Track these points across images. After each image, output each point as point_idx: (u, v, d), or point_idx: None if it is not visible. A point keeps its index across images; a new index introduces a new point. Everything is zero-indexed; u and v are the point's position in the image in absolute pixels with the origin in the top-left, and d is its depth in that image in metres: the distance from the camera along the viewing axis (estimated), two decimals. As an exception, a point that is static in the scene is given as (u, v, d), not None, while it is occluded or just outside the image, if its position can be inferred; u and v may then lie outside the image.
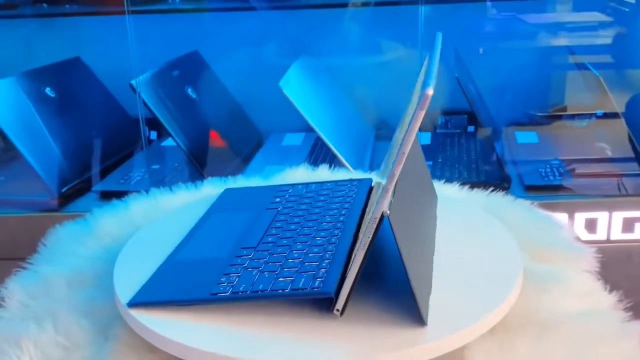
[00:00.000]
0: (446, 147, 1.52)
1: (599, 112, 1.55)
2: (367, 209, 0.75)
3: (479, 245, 0.74)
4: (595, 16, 1.62)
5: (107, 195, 1.33)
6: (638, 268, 1.27)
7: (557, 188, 1.33)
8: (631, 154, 1.40)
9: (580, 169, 1.39)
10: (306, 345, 0.57)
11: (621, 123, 1.47)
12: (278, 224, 0.76)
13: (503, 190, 0.98)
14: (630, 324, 0.68)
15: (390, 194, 0.56)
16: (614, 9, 1.62)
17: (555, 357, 0.61)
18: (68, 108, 1.46)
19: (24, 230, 1.30)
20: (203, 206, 0.86)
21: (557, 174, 1.36)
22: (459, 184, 0.99)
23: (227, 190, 0.92)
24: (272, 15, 1.63)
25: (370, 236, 0.57)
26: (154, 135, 1.63)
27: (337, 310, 0.59)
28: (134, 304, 0.64)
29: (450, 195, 0.93)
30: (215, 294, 0.62)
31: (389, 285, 0.66)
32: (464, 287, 0.65)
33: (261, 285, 0.62)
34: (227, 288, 0.63)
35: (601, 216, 1.26)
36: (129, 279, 0.68)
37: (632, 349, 0.63)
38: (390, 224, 0.56)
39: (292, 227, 0.74)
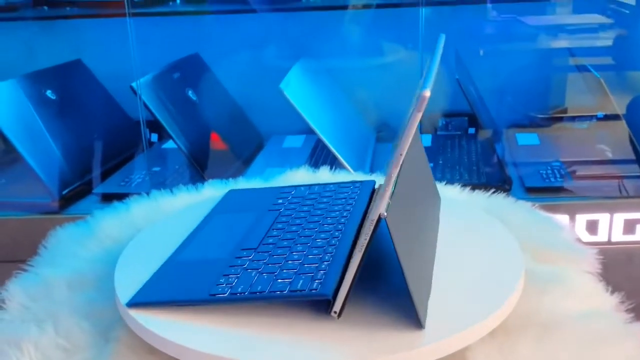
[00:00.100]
0: (447, 149, 1.52)
1: (600, 113, 1.55)
2: (368, 211, 0.75)
3: (480, 247, 0.74)
4: (596, 18, 1.62)
5: (108, 198, 1.33)
6: (639, 269, 1.27)
7: (558, 190, 1.33)
8: (632, 156, 1.40)
9: (581, 170, 1.39)
10: (304, 347, 0.57)
11: (622, 125, 1.46)
12: (279, 226, 0.76)
13: (504, 191, 0.98)
14: (632, 326, 0.68)
15: (387, 195, 0.56)
16: (615, 10, 1.62)
17: (557, 359, 0.61)
18: (69, 110, 1.46)
19: (25, 233, 1.30)
20: (204, 208, 0.86)
21: (558, 175, 1.36)
22: (460, 185, 0.99)
23: (230, 192, 0.92)
24: (272, 17, 1.63)
25: (367, 238, 0.57)
26: (154, 137, 1.64)
27: (335, 312, 0.59)
28: (133, 304, 0.64)
29: (452, 197, 0.93)
30: (214, 294, 0.62)
31: (389, 287, 0.65)
32: (465, 288, 0.65)
33: (259, 287, 0.62)
34: (226, 289, 0.63)
35: (602, 218, 1.26)
36: (130, 280, 0.68)
37: (635, 350, 0.63)
38: (388, 226, 0.56)
39: (294, 228, 0.74)
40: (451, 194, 0.96)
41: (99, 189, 1.41)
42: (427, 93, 0.52)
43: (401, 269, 0.57)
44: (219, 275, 0.65)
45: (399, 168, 0.56)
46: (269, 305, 0.63)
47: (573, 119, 1.60)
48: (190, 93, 1.47)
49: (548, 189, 1.33)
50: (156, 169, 1.49)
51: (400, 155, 0.55)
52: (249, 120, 1.66)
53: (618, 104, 1.48)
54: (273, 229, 0.75)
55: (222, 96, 1.63)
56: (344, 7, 1.61)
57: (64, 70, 1.53)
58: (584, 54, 1.62)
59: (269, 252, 0.69)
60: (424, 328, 0.58)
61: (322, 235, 0.71)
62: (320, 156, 1.49)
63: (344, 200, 0.81)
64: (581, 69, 1.62)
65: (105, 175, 1.45)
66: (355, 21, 1.62)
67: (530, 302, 0.68)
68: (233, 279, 0.64)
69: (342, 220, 0.74)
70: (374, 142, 1.57)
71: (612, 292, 0.74)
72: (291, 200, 0.83)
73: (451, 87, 1.41)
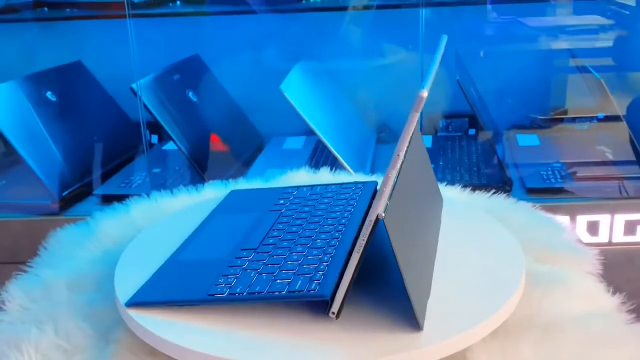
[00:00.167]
0: (447, 150, 1.52)
1: (600, 114, 1.55)
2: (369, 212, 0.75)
3: (481, 247, 0.74)
4: (596, 19, 1.62)
5: (108, 199, 1.33)
6: (640, 270, 1.27)
7: (559, 191, 1.33)
8: (632, 157, 1.40)
9: (582, 171, 1.38)
10: (302, 349, 0.57)
11: (622, 126, 1.46)
12: (280, 226, 0.75)
13: (505, 192, 0.98)
14: (633, 326, 0.68)
15: (385, 196, 0.56)
16: (615, 12, 1.62)
17: (557, 360, 0.61)
18: (69, 112, 1.46)
19: (25, 234, 1.30)
20: (204, 209, 0.86)
21: (558, 176, 1.36)
22: (460, 186, 0.99)
23: (232, 192, 0.92)
24: (272, 18, 1.63)
25: (365, 239, 0.57)
26: (155, 138, 1.64)
27: (333, 313, 0.59)
28: (132, 303, 0.64)
29: (452, 198, 0.93)
30: (213, 294, 0.62)
31: (388, 288, 0.65)
32: (466, 289, 0.65)
33: (258, 287, 0.62)
34: (225, 289, 0.62)
35: (603, 219, 1.26)
36: (130, 282, 0.68)
37: (636, 351, 0.63)
38: (385, 227, 0.56)
39: (294, 229, 0.74)
40: (452, 195, 0.96)
41: (99, 190, 1.41)
42: (424, 93, 0.52)
43: (399, 270, 0.57)
44: (218, 276, 0.65)
45: (397, 169, 0.56)
46: (267, 306, 0.63)
47: (573, 120, 1.60)
48: (190, 94, 1.47)
49: (549, 189, 1.33)
50: (156, 170, 1.49)
51: (398, 155, 0.55)
52: (249, 121, 1.66)
53: (618, 105, 1.48)
54: (273, 230, 0.75)
55: (223, 97, 1.63)
56: (344, 8, 1.61)
57: (64, 72, 1.53)
58: (585, 55, 1.62)
59: (268, 252, 0.69)
60: (422, 330, 0.58)
61: (322, 236, 0.71)
62: (320, 157, 1.49)
63: (345, 201, 0.80)
64: (582, 70, 1.62)
65: (105, 177, 1.45)
66: (355, 22, 1.62)
67: (531, 302, 0.68)
68: (232, 279, 0.64)
69: (343, 221, 0.74)
70: (374, 143, 1.57)
71: (613, 293, 0.74)
72: (293, 201, 0.83)
73: (452, 88, 1.41)
